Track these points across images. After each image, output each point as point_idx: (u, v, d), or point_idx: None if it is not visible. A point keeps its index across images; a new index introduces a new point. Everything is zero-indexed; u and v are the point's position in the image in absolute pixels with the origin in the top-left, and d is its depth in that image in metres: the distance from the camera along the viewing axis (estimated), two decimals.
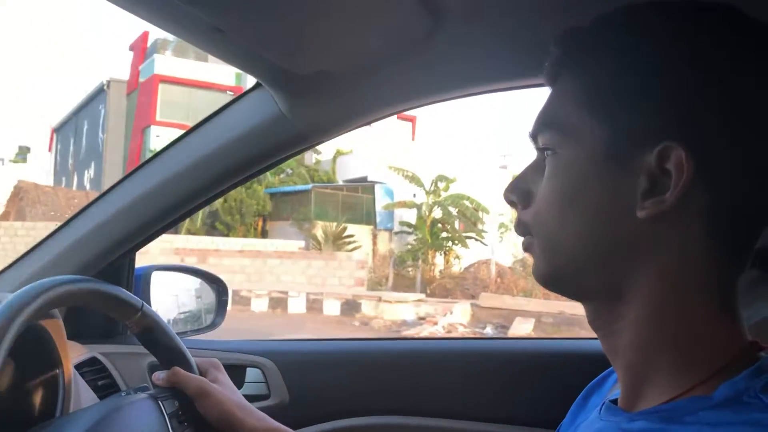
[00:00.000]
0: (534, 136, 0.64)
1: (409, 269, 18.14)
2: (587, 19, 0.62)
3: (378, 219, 19.82)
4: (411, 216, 19.00)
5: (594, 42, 0.61)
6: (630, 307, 0.58)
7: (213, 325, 1.43)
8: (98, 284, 0.87)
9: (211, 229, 18.56)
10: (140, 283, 1.36)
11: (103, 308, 0.91)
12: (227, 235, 17.95)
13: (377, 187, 20.06)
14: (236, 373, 1.25)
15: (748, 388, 0.52)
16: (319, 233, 18.24)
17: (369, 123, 1.11)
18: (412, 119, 23.45)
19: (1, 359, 0.68)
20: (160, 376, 0.94)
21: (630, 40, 0.58)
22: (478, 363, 1.25)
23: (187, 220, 17.61)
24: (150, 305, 1.26)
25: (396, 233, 19.58)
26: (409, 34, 0.92)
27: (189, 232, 17.48)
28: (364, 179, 20.63)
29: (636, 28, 0.59)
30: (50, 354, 0.98)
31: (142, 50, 26.39)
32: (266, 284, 14.28)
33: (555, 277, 0.63)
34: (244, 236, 18.24)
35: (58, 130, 33.71)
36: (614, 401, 0.64)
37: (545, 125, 0.62)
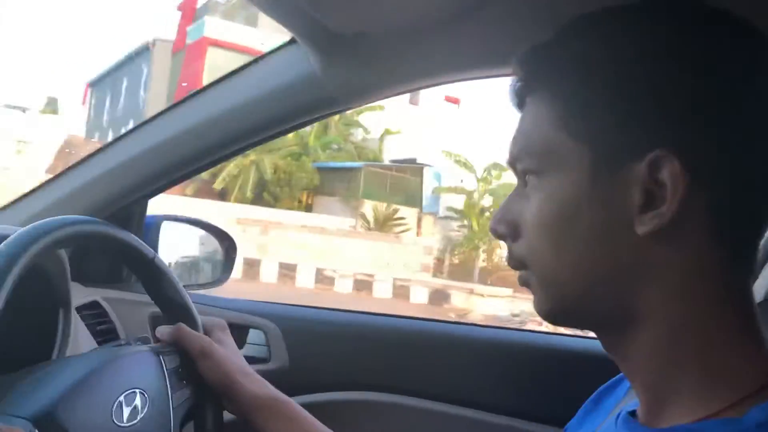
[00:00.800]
0: (512, 163, 0.61)
1: (456, 256, 17.93)
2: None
3: (425, 203, 19.68)
4: (457, 202, 18.78)
5: (559, 58, 0.58)
6: (643, 329, 0.55)
7: (219, 281, 1.41)
8: (109, 228, 0.85)
9: (257, 198, 18.45)
10: (150, 231, 1.33)
11: (113, 253, 0.89)
12: (273, 206, 17.86)
13: (426, 170, 19.96)
14: (239, 333, 1.23)
15: None
16: (368, 212, 18.11)
17: (404, 92, 1.07)
18: (456, 101, 23.18)
19: (3, 298, 0.66)
20: (164, 330, 0.91)
21: (595, 52, 0.56)
22: (487, 351, 1.22)
23: (236, 189, 17.38)
24: (158, 255, 1.24)
25: (441, 218, 19.47)
26: (454, 4, 0.88)
27: (237, 200, 17.44)
28: (413, 161, 20.54)
29: (605, 37, 0.56)
30: (52, 293, 0.96)
31: (191, 11, 26.21)
32: (331, 262, 14.02)
33: (559, 310, 0.60)
34: (290, 209, 18.16)
35: (93, 85, 33.64)
36: (632, 413, 0.61)
37: (522, 151, 0.60)
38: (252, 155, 17.77)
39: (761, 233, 0.56)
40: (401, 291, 12.85)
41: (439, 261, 17.58)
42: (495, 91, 17.13)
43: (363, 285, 13.10)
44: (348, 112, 18.82)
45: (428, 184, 19.71)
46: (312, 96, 1.06)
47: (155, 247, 1.32)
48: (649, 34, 0.55)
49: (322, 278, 13.00)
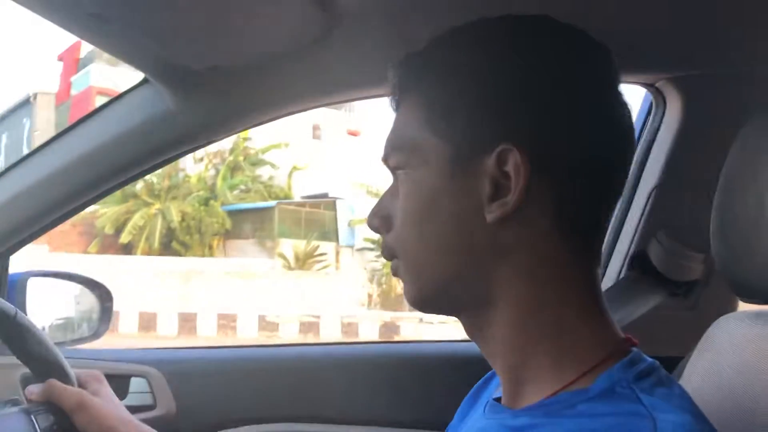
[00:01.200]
0: (385, 160, 0.66)
1: (383, 286, 17.73)
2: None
3: (341, 236, 19.39)
4: (372, 233, 18.55)
5: (427, 64, 0.64)
6: (499, 311, 0.60)
7: (96, 335, 1.35)
8: None
9: (165, 249, 17.63)
10: (15, 290, 1.27)
11: None
12: (183, 255, 17.12)
13: (339, 203, 19.69)
14: (120, 382, 1.19)
15: (621, 379, 0.55)
16: (287, 251, 17.60)
17: (262, 123, 1.08)
18: (356, 133, 23.20)
19: None
20: (33, 389, 0.87)
21: (456, 57, 0.62)
22: (365, 367, 1.24)
23: (143, 240, 16.49)
24: (26, 314, 1.17)
25: (358, 250, 19.19)
26: (306, 33, 0.91)
27: (144, 252, 16.59)
28: (325, 195, 20.11)
29: (460, 46, 0.62)
30: None
31: (74, 60, 24.87)
32: (261, 306, 13.36)
33: (425, 297, 0.64)
34: (201, 256, 17.42)
35: None
36: (498, 399, 0.65)
37: (394, 148, 0.64)
38: (157, 204, 17.22)
39: (605, 223, 0.62)
40: (349, 329, 12.51)
41: (369, 294, 17.45)
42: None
43: (309, 327, 12.69)
44: (252, 150, 18.30)
45: (342, 218, 19.58)
46: (170, 133, 1.06)
47: (22, 306, 1.26)
48: (493, 42, 0.61)
49: (265, 324, 12.48)
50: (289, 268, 17.27)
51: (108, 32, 0.86)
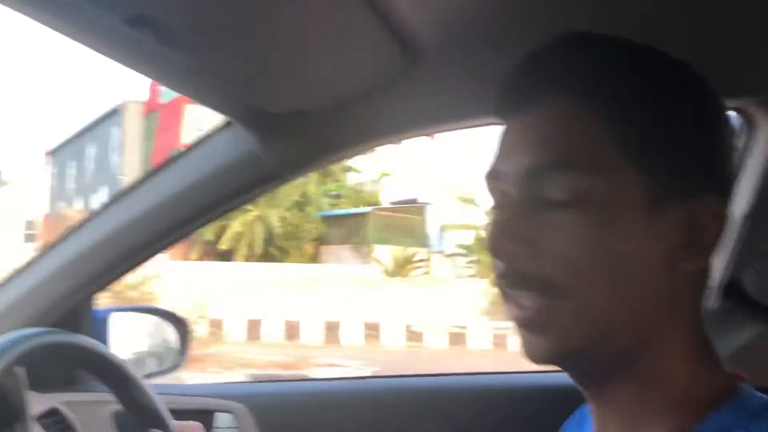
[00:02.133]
0: (533, 173, 0.55)
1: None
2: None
3: (431, 241, 19.30)
4: (464, 238, 18.22)
5: (615, 71, 0.56)
6: (639, 359, 0.56)
7: (176, 366, 1.38)
8: (71, 337, 0.85)
9: (264, 255, 17.60)
10: (98, 325, 1.30)
11: (77, 361, 0.88)
12: (281, 261, 17.15)
13: (428, 208, 19.63)
14: (204, 418, 1.20)
15: (733, 420, 0.53)
16: (382, 257, 17.47)
17: (343, 159, 1.09)
18: (431, 137, 22.92)
19: None
20: None
21: (658, 87, 0.56)
22: (460, 399, 1.23)
23: (243, 246, 16.67)
24: (109, 348, 1.21)
25: (448, 255, 19.03)
26: (385, 72, 0.91)
27: (244, 258, 16.73)
28: (414, 201, 20.08)
29: (647, 71, 0.57)
30: (6, 409, 0.93)
31: None
32: (374, 314, 12.96)
33: (577, 349, 0.55)
34: (298, 262, 17.35)
35: (54, 153, 32.26)
36: None
37: (569, 164, 0.54)
38: (255, 211, 17.19)
39: None
40: (499, 340, 11.78)
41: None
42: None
43: (456, 338, 12.22)
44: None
45: (432, 223, 19.45)
46: (253, 173, 1.07)
47: (105, 341, 1.29)
48: (676, 78, 0.57)
49: (410, 335, 12.20)
50: (388, 274, 17.05)
51: (193, 80, 0.88)
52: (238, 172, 1.07)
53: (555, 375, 1.25)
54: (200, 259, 16.63)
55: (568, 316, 0.54)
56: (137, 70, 0.81)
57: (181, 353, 1.41)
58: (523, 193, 0.56)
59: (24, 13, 0.65)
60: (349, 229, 18.83)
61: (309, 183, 18.41)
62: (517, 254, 0.55)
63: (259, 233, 17.14)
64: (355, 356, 9.92)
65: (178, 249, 16.63)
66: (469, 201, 17.86)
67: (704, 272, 0.58)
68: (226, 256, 17.11)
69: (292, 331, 11.97)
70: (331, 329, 12.04)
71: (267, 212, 17.28)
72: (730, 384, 0.57)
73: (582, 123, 0.54)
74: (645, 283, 0.54)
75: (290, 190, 17.85)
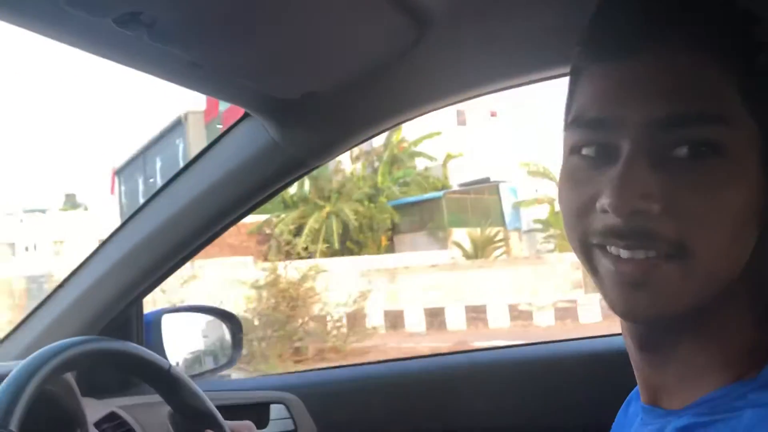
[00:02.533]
0: (668, 123, 0.50)
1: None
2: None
3: (507, 220, 19.07)
4: (539, 213, 18.04)
5: (733, 26, 0.52)
6: (715, 318, 0.54)
7: (231, 363, 1.40)
8: (118, 344, 0.86)
9: (341, 249, 17.45)
10: (151, 328, 1.32)
11: (127, 368, 0.89)
12: (358, 254, 17.02)
13: (501, 187, 19.38)
14: (260, 411, 1.22)
15: None
16: (462, 241, 17.29)
17: (366, 140, 1.07)
18: (494, 113, 22.58)
19: (16, 426, 0.66)
20: None
21: None
22: (504, 372, 1.21)
23: (321, 242, 16.81)
24: (163, 350, 1.22)
25: (526, 232, 18.86)
26: (395, 45, 0.89)
27: (323, 254, 16.58)
28: (486, 180, 19.86)
29: None
30: (65, 415, 0.96)
31: None
32: (471, 298, 12.91)
33: (690, 310, 0.52)
34: (375, 253, 17.23)
35: (120, 172, 33.38)
36: (649, 403, 0.60)
37: (708, 116, 0.50)
38: (327, 207, 17.26)
39: None
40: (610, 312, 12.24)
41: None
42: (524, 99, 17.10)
43: (565, 313, 11.92)
44: (406, 143, 18.39)
45: (506, 201, 19.30)
46: (278, 163, 1.07)
47: (159, 343, 1.31)
48: None
49: (518, 314, 12.08)
50: (469, 257, 16.81)
51: (201, 77, 0.87)
52: (262, 163, 1.07)
53: (608, 339, 1.21)
54: (280, 259, 16.88)
55: (686, 277, 0.51)
56: (140, 69, 0.81)
57: (235, 349, 1.42)
58: (646, 145, 0.51)
59: (9, 22, 0.65)
60: (422, 215, 18.58)
61: (378, 174, 18.26)
62: (640, 210, 0.50)
63: (336, 228, 17.02)
64: (499, 337, 9.89)
65: (255, 250, 16.87)
66: (542, 174, 17.57)
67: None
68: (304, 254, 16.91)
69: (395, 320, 12.00)
70: (434, 316, 12.00)
71: (340, 207, 17.20)
72: None
73: (705, 72, 0.51)
74: (751, 240, 0.52)
75: (360, 183, 17.85)
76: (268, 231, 17.18)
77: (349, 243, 17.32)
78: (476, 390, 1.20)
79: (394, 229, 18.52)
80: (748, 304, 0.55)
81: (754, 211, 0.51)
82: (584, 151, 0.55)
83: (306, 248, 16.64)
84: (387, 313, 11.98)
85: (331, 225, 17.02)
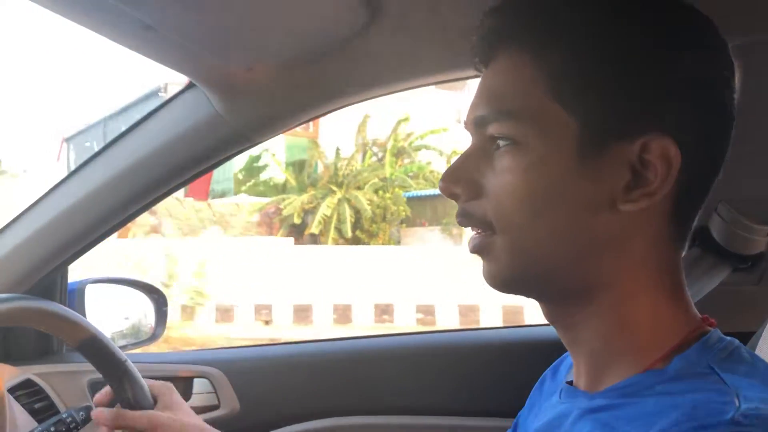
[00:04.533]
0: (481, 124, 0.59)
1: None
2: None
3: None
4: None
5: (551, 19, 0.57)
6: (598, 297, 0.58)
7: (154, 337, 1.38)
8: (44, 303, 0.84)
9: (351, 238, 16.73)
10: (75, 297, 1.30)
11: (48, 329, 0.87)
12: (368, 244, 16.34)
13: None
14: (183, 384, 1.21)
15: (701, 359, 0.54)
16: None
17: (308, 120, 1.08)
18: None
19: None
20: (103, 414, 0.89)
21: (595, 22, 0.55)
22: (432, 356, 1.24)
23: (332, 230, 16.12)
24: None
25: None
26: (345, 27, 0.90)
27: (334, 242, 16.02)
28: None
29: (598, 8, 0.56)
30: None
31: None
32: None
33: (516, 278, 0.59)
34: (384, 244, 16.51)
35: (70, 139, 31.63)
36: (570, 383, 0.64)
37: (503, 114, 0.57)
38: (339, 193, 16.63)
39: (698, 212, 0.60)
40: None
41: None
42: None
43: None
44: (413, 136, 17.78)
45: None
46: (219, 136, 1.06)
47: (82, 312, 1.28)
48: (643, 16, 0.55)
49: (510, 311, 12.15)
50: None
51: (152, 41, 0.86)
52: (202, 135, 1.06)
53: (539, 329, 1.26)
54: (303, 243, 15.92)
55: (504, 250, 0.58)
56: (91, 28, 0.79)
57: (158, 325, 1.41)
58: (476, 140, 0.60)
59: None
60: (429, 209, 18.39)
61: (386, 164, 17.56)
62: (462, 195, 0.60)
63: (349, 216, 16.37)
64: None
65: (265, 230, 16.27)
66: None
67: (669, 213, 0.57)
68: (312, 239, 16.44)
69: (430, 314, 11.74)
70: (468, 313, 11.83)
71: (355, 194, 16.60)
72: (698, 327, 0.58)
73: (520, 73, 0.57)
74: (585, 223, 0.56)
75: (368, 174, 17.22)
76: (271, 213, 16.64)
77: (359, 232, 16.73)
78: (401, 372, 1.23)
79: (407, 222, 17.88)
80: (648, 293, 0.57)
81: (569, 194, 0.55)
82: None
83: (313, 234, 16.15)
84: (418, 308, 11.48)
85: (344, 212, 16.42)
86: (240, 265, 11.45)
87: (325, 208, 16.43)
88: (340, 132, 17.55)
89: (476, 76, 1.01)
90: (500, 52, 0.59)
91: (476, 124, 0.59)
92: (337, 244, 15.91)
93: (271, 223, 16.80)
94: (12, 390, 1.07)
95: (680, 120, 0.54)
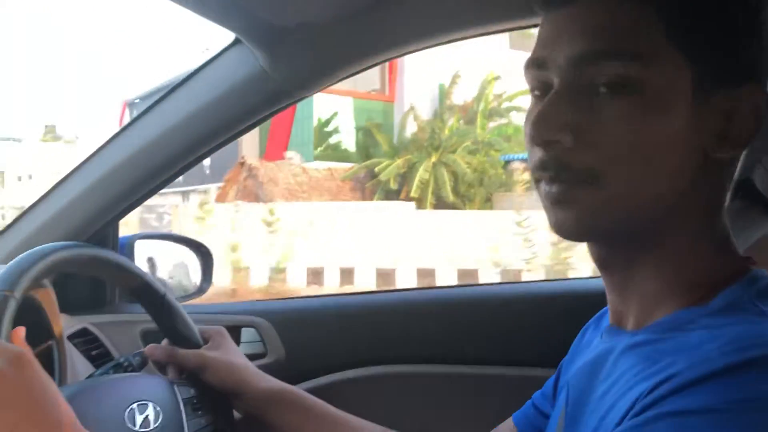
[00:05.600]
0: (582, 61, 0.55)
1: None
2: None
3: None
4: None
5: None
6: (665, 242, 0.59)
7: (200, 291, 1.43)
8: (123, 260, 0.89)
9: (444, 203, 16.22)
10: (124, 251, 1.34)
11: (104, 275, 0.91)
12: (464, 209, 15.78)
13: None
14: (232, 334, 1.25)
15: (743, 295, 0.55)
16: None
17: (353, 74, 1.09)
18: None
19: (5, 327, 0.67)
20: (156, 350, 0.94)
21: None
22: (476, 308, 1.26)
23: (430, 194, 15.75)
24: None
25: None
26: None
27: (432, 206, 15.58)
28: None
29: None
30: (43, 325, 0.98)
31: None
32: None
33: (603, 227, 0.57)
34: (480, 209, 15.92)
35: (132, 104, 31.91)
36: (613, 325, 0.66)
37: (620, 53, 0.53)
38: (434, 156, 16.13)
39: None
40: None
41: None
42: None
43: None
44: (503, 97, 16.80)
45: None
46: (264, 92, 1.08)
47: None
48: None
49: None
50: None
51: None
52: (248, 91, 1.08)
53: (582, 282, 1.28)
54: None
55: (604, 200, 0.56)
56: None
57: (205, 280, 1.45)
58: (569, 82, 0.56)
59: None
60: (521, 174, 17.76)
61: (477, 126, 16.90)
62: (560, 142, 0.56)
63: (447, 180, 15.72)
64: None
65: (350, 198, 16.04)
66: None
67: (733, 162, 0.59)
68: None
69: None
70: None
71: (453, 158, 16.00)
72: (742, 267, 0.59)
73: (629, 11, 0.54)
74: (679, 172, 0.56)
75: (458, 138, 16.48)
76: (362, 176, 16.38)
77: (454, 197, 16.04)
78: (442, 324, 1.25)
79: (505, 187, 16.94)
80: (702, 232, 0.59)
81: (680, 143, 0.55)
82: (535, 92, 0.60)
83: (414, 199, 15.53)
84: None
85: (442, 176, 15.84)
86: (363, 230, 11.48)
87: (422, 173, 15.89)
88: (419, 93, 17.13)
89: (528, 27, 1.00)
90: None
91: (574, 62, 0.55)
92: (435, 209, 15.34)
93: (363, 188, 16.62)
94: (70, 337, 1.12)
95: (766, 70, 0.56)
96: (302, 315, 1.30)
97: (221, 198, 16.42)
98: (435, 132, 16.19)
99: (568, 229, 0.58)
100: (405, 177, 16.20)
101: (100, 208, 1.17)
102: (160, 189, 1.22)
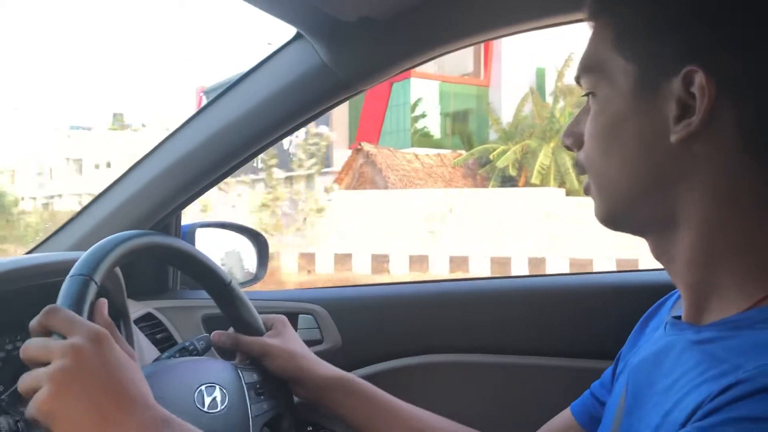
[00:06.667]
0: (577, 81, 0.69)
1: None
2: None
3: None
4: None
5: None
6: (682, 231, 0.62)
7: (257, 278, 1.47)
8: (191, 248, 0.93)
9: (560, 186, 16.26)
10: (186, 239, 1.38)
11: (176, 263, 0.95)
12: (574, 195, 15.39)
13: None
14: (289, 320, 1.28)
15: None
16: None
17: (411, 67, 1.11)
18: None
19: (86, 309, 0.71)
20: (221, 336, 0.98)
21: None
22: (531, 298, 1.27)
23: (551, 180, 15.86)
24: None
25: None
26: None
27: (569, 194, 15.37)
28: None
29: None
30: (113, 308, 1.02)
31: None
32: None
33: (612, 214, 0.67)
34: (580, 195, 16.18)
35: (209, 91, 32.40)
36: (677, 317, 0.66)
37: (584, 69, 0.67)
38: (553, 141, 16.14)
39: None
40: None
41: None
42: None
43: None
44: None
45: None
46: (325, 85, 1.10)
47: None
48: None
49: None
50: None
51: None
52: (309, 84, 1.10)
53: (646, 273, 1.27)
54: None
55: (595, 191, 0.68)
56: None
57: (261, 266, 1.49)
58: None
59: None
60: None
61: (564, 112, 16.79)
62: (569, 145, 0.72)
63: (570, 166, 15.56)
64: None
65: (461, 185, 16.05)
66: None
67: (738, 148, 0.59)
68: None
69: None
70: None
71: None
72: None
73: (601, 35, 0.66)
74: (646, 157, 0.62)
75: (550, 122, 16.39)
76: (471, 163, 16.25)
77: (569, 183, 16.12)
78: (499, 313, 1.26)
79: None
80: (731, 221, 0.60)
81: (626, 130, 0.63)
82: None
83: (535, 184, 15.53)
84: None
85: (564, 161, 15.87)
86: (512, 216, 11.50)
87: (543, 158, 15.85)
88: (517, 77, 16.82)
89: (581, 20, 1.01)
90: (596, 22, 0.67)
91: (576, 81, 0.70)
92: (570, 195, 15.00)
93: (474, 174, 16.62)
94: (136, 321, 1.17)
95: (714, 51, 0.58)
96: (358, 303, 1.33)
97: (339, 183, 16.45)
98: (554, 116, 15.97)
99: (597, 216, 0.69)
100: (521, 163, 16.01)
101: (165, 197, 1.21)
102: (223, 180, 1.25)
